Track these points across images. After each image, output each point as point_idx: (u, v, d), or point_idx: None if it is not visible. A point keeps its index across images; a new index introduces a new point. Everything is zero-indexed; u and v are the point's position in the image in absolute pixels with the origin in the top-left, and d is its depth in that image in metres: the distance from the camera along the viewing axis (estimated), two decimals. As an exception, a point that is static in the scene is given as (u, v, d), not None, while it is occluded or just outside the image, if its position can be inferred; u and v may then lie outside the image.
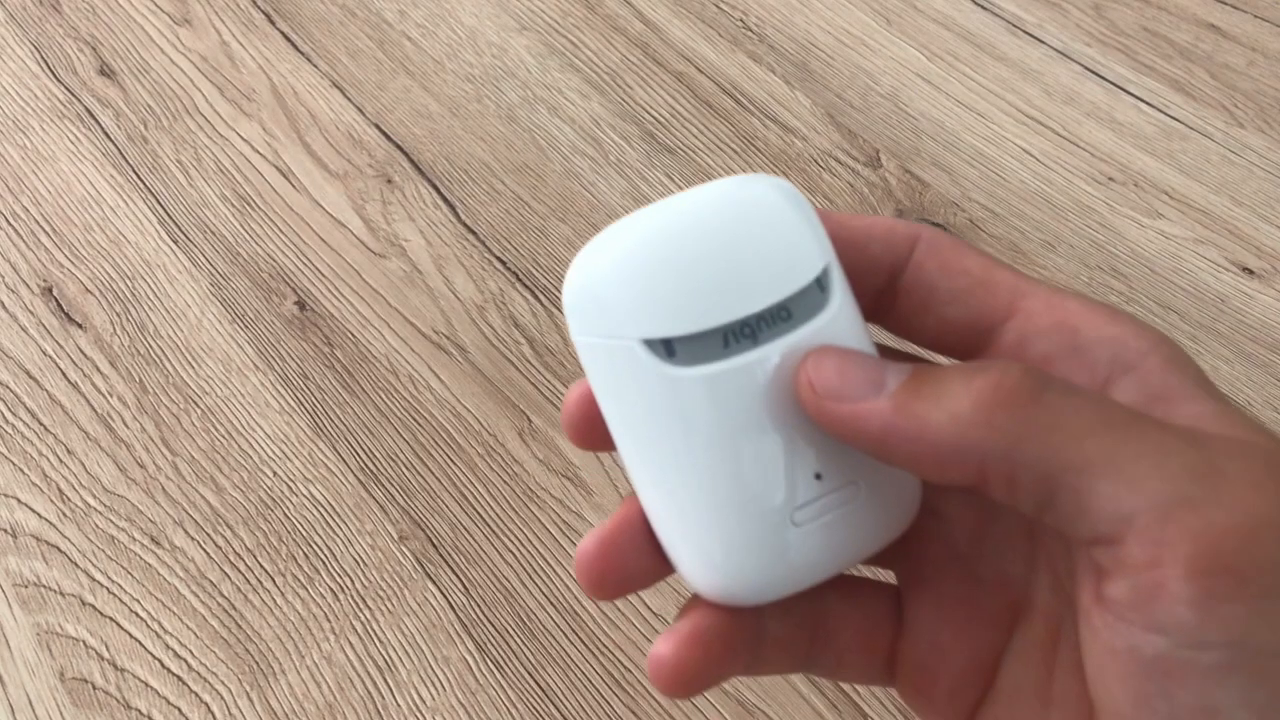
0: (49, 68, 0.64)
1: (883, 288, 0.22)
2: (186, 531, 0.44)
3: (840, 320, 0.21)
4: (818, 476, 0.20)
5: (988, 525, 0.22)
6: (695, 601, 0.22)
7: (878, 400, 0.19)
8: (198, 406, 0.48)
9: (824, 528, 0.21)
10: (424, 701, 0.40)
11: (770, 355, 0.20)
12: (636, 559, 0.21)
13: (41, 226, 0.56)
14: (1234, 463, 0.17)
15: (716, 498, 0.20)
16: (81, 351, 0.50)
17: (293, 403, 0.48)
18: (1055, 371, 0.20)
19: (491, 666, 0.40)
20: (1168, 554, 0.17)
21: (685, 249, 0.20)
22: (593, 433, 0.22)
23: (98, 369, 0.50)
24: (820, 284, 0.21)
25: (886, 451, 0.19)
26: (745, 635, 0.22)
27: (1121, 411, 0.18)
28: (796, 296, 0.21)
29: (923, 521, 0.23)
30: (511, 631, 0.41)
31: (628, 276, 0.20)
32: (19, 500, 0.45)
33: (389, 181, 0.57)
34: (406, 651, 0.41)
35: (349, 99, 0.61)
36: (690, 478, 0.20)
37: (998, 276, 0.22)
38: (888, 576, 0.24)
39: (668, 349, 0.20)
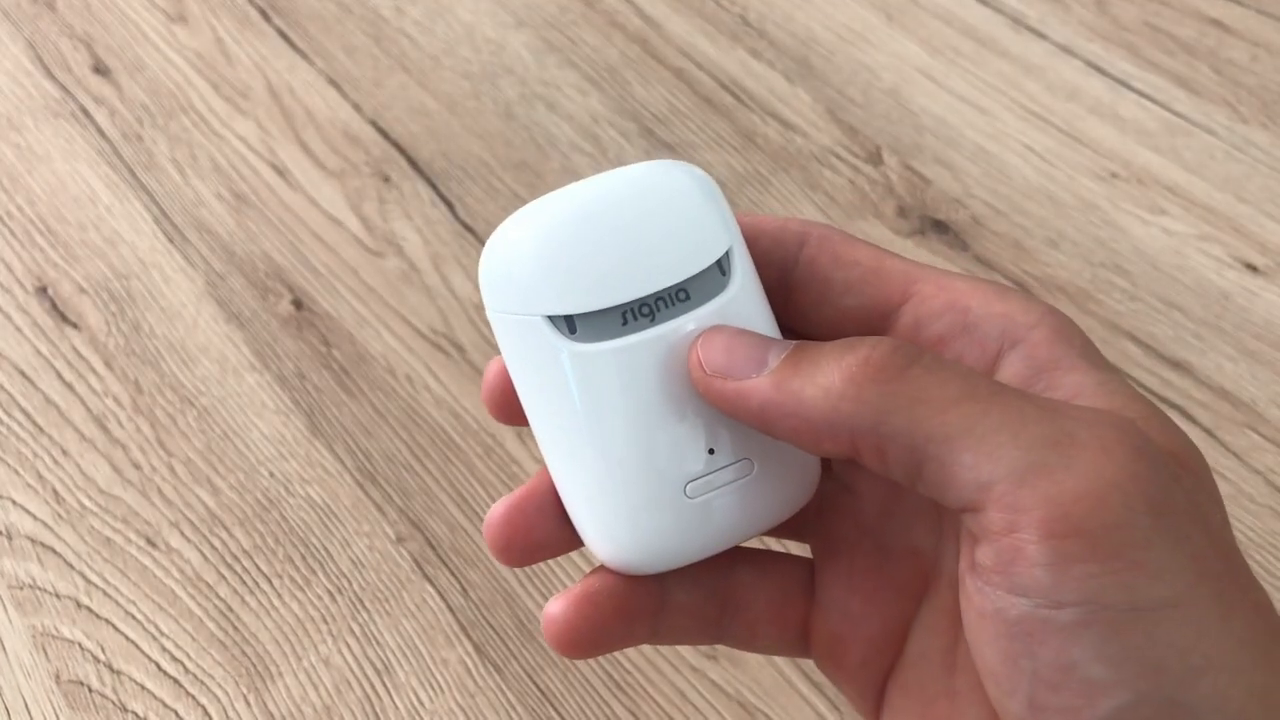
0: (43, 65, 0.63)
1: (775, 284, 0.23)
2: (182, 533, 0.44)
3: (739, 302, 0.22)
4: (710, 451, 0.22)
5: (896, 499, 0.23)
6: (597, 567, 0.23)
7: (760, 377, 0.20)
8: (193, 407, 0.48)
9: (716, 501, 0.22)
10: (422, 704, 0.39)
11: (666, 334, 0.21)
12: (544, 526, 0.23)
13: (36, 225, 0.55)
14: (1087, 430, 0.18)
15: (613, 469, 0.21)
16: (76, 351, 0.50)
17: (289, 403, 0.48)
18: (949, 350, 0.22)
19: (490, 668, 0.40)
20: (1023, 519, 0.18)
21: (594, 229, 0.22)
22: (509, 407, 0.23)
23: (93, 369, 0.49)
24: (721, 266, 0.22)
25: (768, 426, 0.20)
26: (643, 601, 0.23)
27: (985, 384, 0.19)
28: (697, 278, 0.22)
29: (834, 496, 0.24)
30: (510, 633, 0.41)
31: (535, 254, 0.22)
32: (14, 502, 0.45)
33: (386, 179, 0.57)
34: (405, 653, 0.40)
35: (345, 96, 0.61)
36: (588, 449, 0.22)
37: (889, 264, 0.23)
38: (802, 550, 0.25)
39: (569, 325, 0.21)
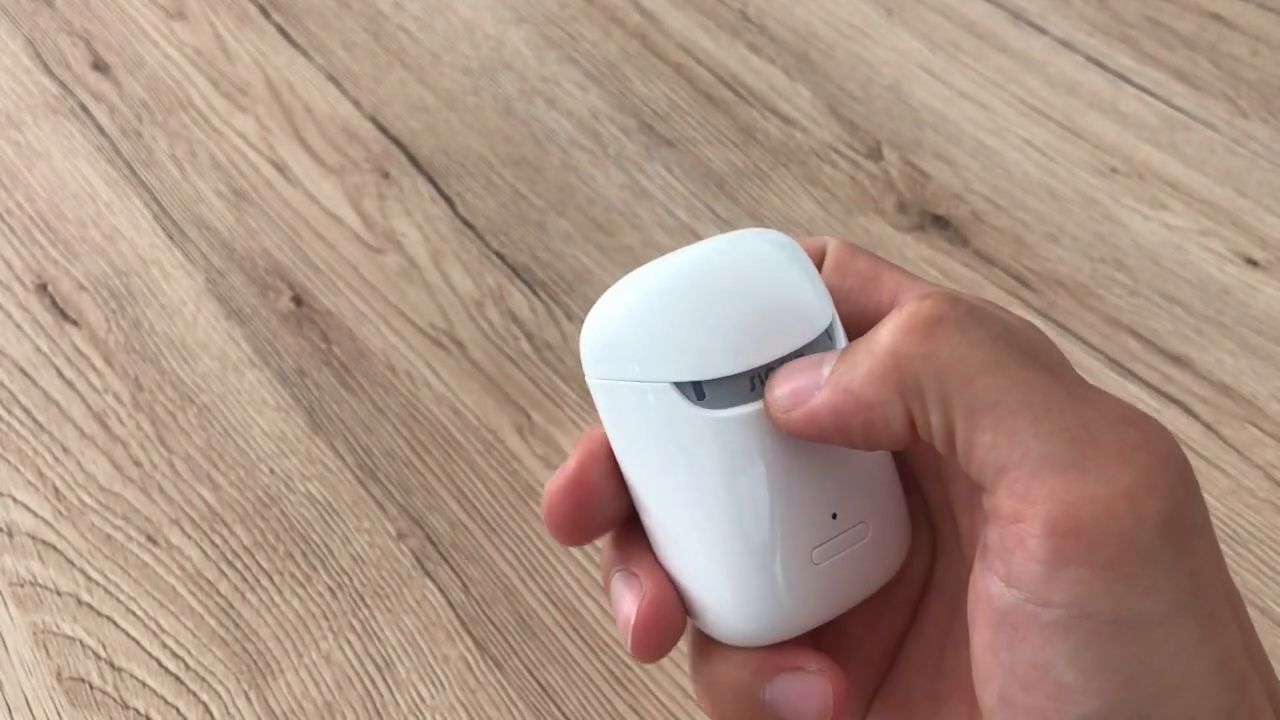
0: (42, 62, 0.63)
1: None
2: (183, 530, 0.44)
3: None
4: (833, 516, 0.21)
5: None
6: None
7: (821, 392, 0.20)
8: (194, 403, 0.48)
9: (839, 566, 0.21)
10: (423, 700, 0.39)
11: None
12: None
13: (35, 223, 0.55)
14: (1110, 428, 0.18)
15: (747, 539, 0.21)
16: (76, 348, 0.50)
17: (289, 399, 0.48)
18: None
19: (491, 664, 0.40)
20: (1029, 510, 0.18)
21: (708, 296, 0.21)
22: (585, 521, 0.22)
23: (93, 366, 0.49)
24: (829, 334, 0.22)
25: (846, 433, 0.20)
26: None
27: (1016, 353, 0.19)
28: (810, 346, 0.22)
29: None
30: (511, 629, 0.41)
31: (654, 321, 0.21)
32: (14, 499, 0.45)
33: (385, 176, 0.57)
34: (405, 650, 0.40)
35: (345, 92, 0.61)
36: (719, 519, 0.21)
37: (884, 275, 0.23)
38: None
39: (697, 391, 0.21)
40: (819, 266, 0.23)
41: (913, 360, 0.19)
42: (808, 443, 0.21)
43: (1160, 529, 0.17)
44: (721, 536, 0.21)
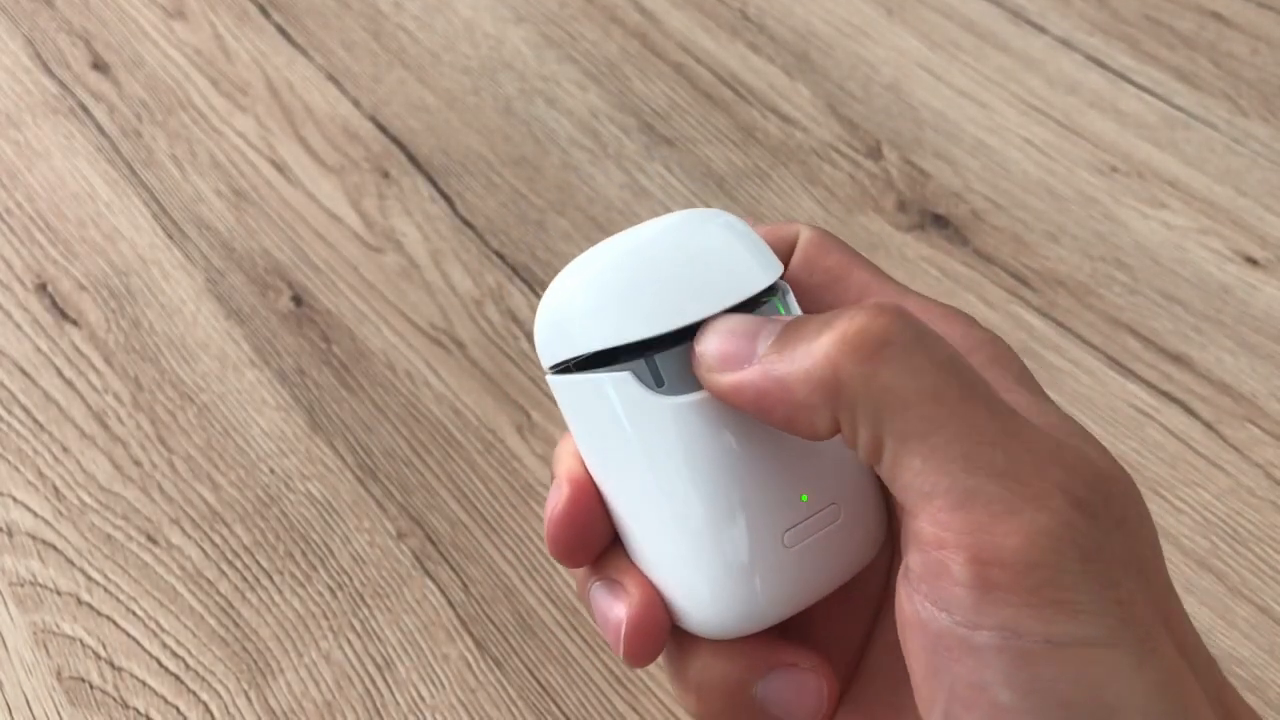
0: (41, 62, 0.63)
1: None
2: (183, 529, 0.44)
3: None
4: (804, 497, 0.21)
5: None
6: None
7: (750, 368, 0.20)
8: (193, 403, 0.48)
9: (811, 549, 0.21)
10: (423, 699, 0.39)
11: None
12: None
13: (35, 222, 0.55)
14: (1034, 470, 0.18)
15: (715, 525, 0.20)
16: (76, 348, 0.50)
17: (289, 399, 0.48)
18: None
19: (491, 664, 0.40)
20: (951, 539, 0.18)
21: (646, 263, 0.21)
22: (587, 541, 0.22)
23: (93, 366, 0.49)
24: (780, 297, 0.22)
25: (766, 416, 0.20)
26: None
27: (957, 383, 0.19)
28: (754, 302, 0.21)
29: None
30: (511, 628, 0.41)
31: (596, 290, 0.21)
32: (14, 499, 0.45)
33: (385, 175, 0.57)
34: (405, 649, 0.40)
35: (344, 92, 0.61)
36: (687, 507, 0.21)
37: (854, 276, 0.23)
38: None
39: (655, 378, 0.20)
40: (788, 254, 0.23)
41: (852, 378, 0.19)
42: (773, 429, 0.21)
43: (1081, 560, 0.18)
44: (690, 526, 0.21)
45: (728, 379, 0.20)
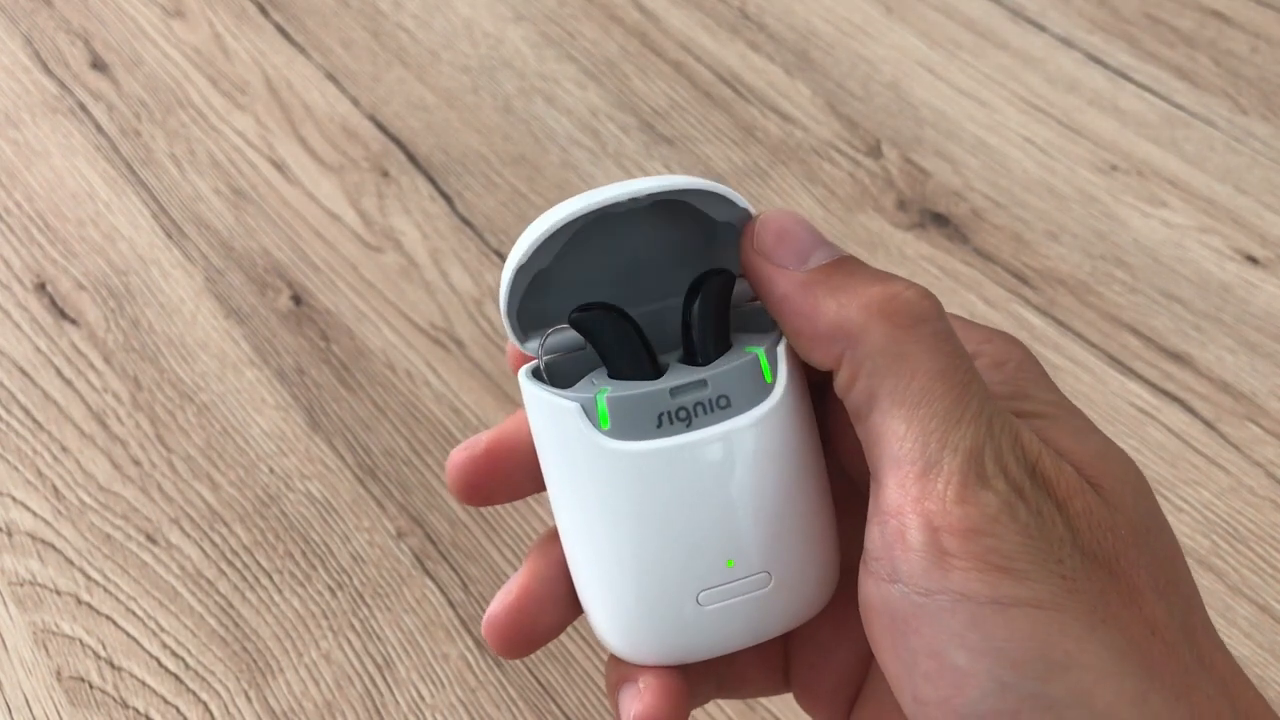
0: (40, 61, 0.63)
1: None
2: (183, 529, 0.44)
3: (781, 411, 0.21)
4: (729, 563, 0.21)
5: (859, 526, 0.24)
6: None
7: (794, 271, 0.21)
8: (193, 403, 0.48)
9: (727, 610, 0.22)
10: (423, 699, 0.39)
11: (700, 442, 0.21)
12: (544, 619, 0.23)
13: (34, 222, 0.55)
14: (1003, 459, 0.19)
15: (628, 567, 0.21)
16: (75, 348, 0.50)
17: (289, 398, 0.48)
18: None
19: (491, 663, 0.40)
20: (910, 505, 0.19)
21: (584, 197, 0.22)
22: (485, 489, 0.23)
23: (92, 365, 0.49)
24: (765, 372, 0.22)
25: (779, 315, 0.21)
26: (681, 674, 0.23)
27: (965, 372, 0.20)
28: (739, 387, 0.21)
29: None
30: (511, 628, 0.41)
31: (529, 229, 0.22)
32: (14, 499, 0.45)
33: (384, 174, 0.57)
34: (405, 649, 0.40)
35: (344, 91, 0.61)
36: (606, 543, 0.21)
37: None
38: None
39: (602, 419, 0.21)
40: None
41: (878, 337, 0.20)
42: (715, 489, 0.21)
43: (1021, 536, 0.19)
44: (603, 562, 0.21)
45: (768, 268, 0.21)
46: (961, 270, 0.52)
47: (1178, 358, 0.48)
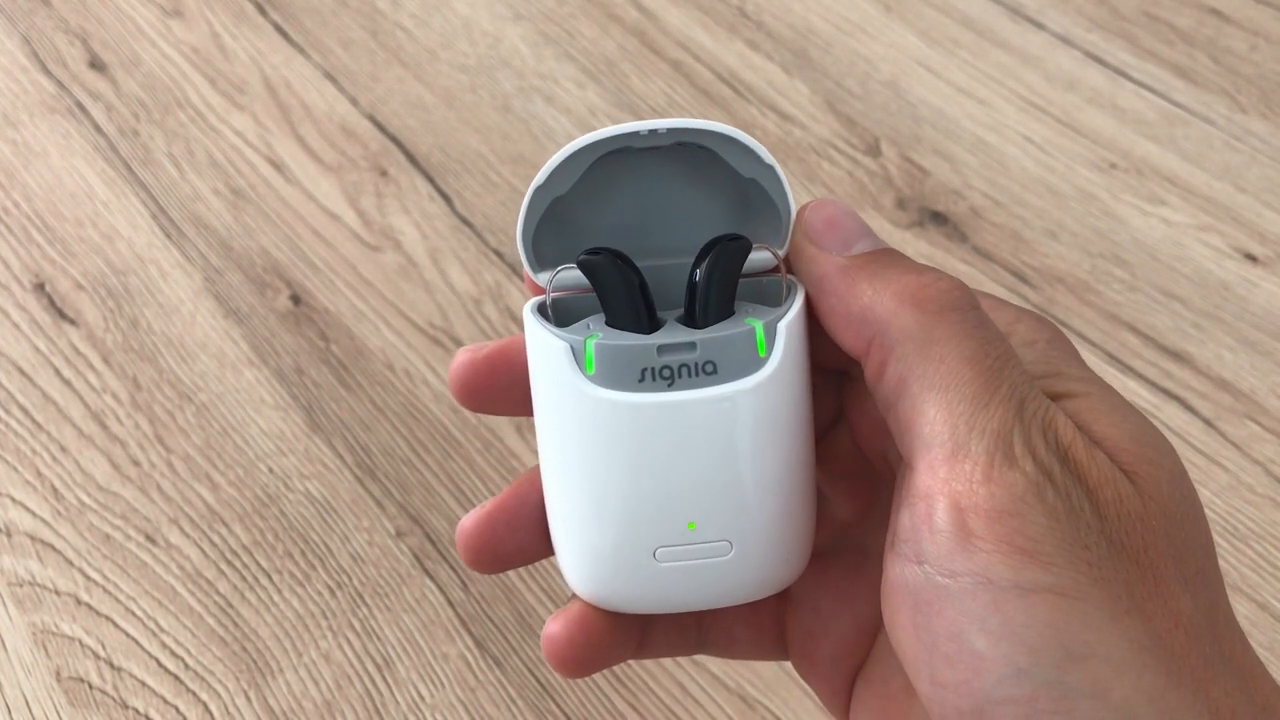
0: (39, 60, 0.63)
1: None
2: (182, 529, 0.44)
3: (771, 386, 0.22)
4: (691, 525, 0.22)
5: (872, 503, 0.24)
6: None
7: (837, 256, 0.22)
8: (192, 403, 0.48)
9: (684, 570, 0.22)
10: (423, 699, 0.39)
11: (680, 403, 0.21)
12: (513, 540, 0.24)
13: (33, 222, 0.55)
14: (1032, 442, 0.19)
15: (595, 512, 0.22)
16: (74, 348, 0.50)
17: (288, 398, 0.48)
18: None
19: (491, 663, 0.40)
20: (938, 486, 0.19)
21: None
22: (482, 396, 0.24)
23: (91, 366, 0.49)
24: (761, 341, 0.22)
25: (816, 295, 0.22)
26: (628, 620, 0.24)
27: (997, 357, 0.20)
28: (728, 355, 0.22)
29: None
30: (511, 627, 0.41)
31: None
32: (13, 499, 0.45)
33: (383, 174, 0.57)
34: (405, 648, 0.40)
35: (342, 90, 0.61)
36: (579, 485, 0.22)
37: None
38: None
39: (589, 362, 0.21)
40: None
41: (909, 324, 0.20)
42: (684, 452, 0.21)
43: (1048, 519, 0.19)
44: (571, 501, 0.22)
45: (811, 249, 0.22)
46: (960, 269, 0.52)
47: (1177, 356, 0.48)
